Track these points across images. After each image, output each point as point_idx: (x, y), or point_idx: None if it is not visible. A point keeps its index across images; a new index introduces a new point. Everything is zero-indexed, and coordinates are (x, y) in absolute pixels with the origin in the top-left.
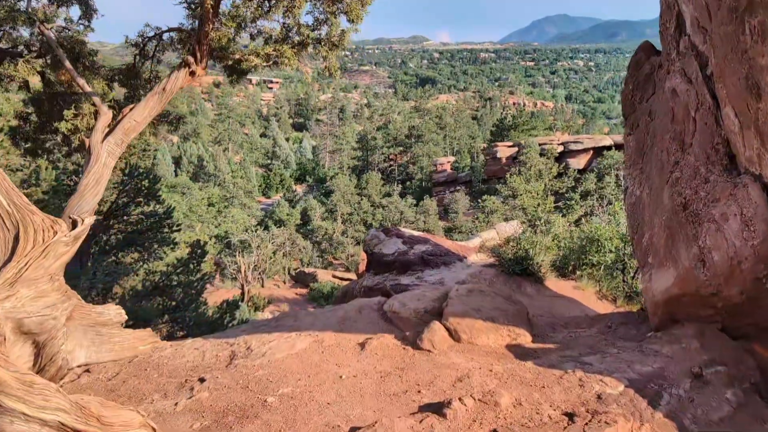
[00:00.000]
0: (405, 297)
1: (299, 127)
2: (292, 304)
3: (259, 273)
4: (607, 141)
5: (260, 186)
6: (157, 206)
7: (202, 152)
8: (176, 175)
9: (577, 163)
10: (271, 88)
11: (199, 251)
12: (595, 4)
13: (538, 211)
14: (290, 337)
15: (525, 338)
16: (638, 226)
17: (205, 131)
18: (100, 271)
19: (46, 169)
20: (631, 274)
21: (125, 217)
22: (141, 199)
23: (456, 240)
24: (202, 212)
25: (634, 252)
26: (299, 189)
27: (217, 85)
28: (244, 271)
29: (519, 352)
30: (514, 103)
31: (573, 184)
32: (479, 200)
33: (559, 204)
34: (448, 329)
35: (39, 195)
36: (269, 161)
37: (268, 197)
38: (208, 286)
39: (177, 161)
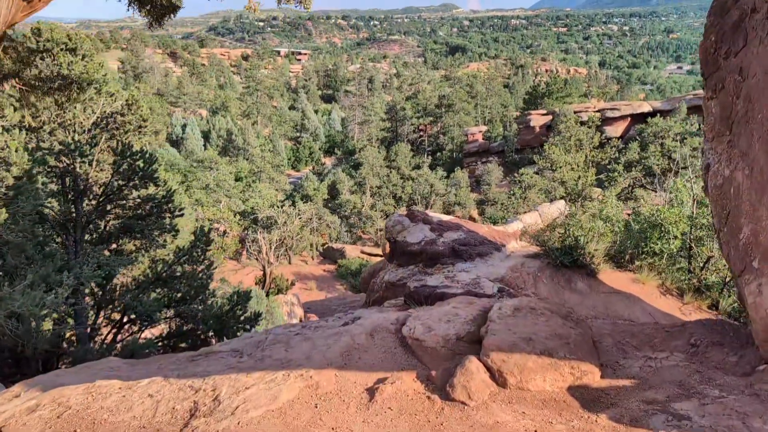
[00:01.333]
0: (431, 316)
1: (328, 99)
2: (319, 281)
3: (285, 249)
4: (646, 107)
5: (289, 159)
6: (157, 189)
7: (231, 126)
8: (205, 149)
9: (614, 131)
10: (299, 60)
11: (203, 238)
12: None
13: (578, 184)
14: (275, 380)
15: (592, 376)
16: (729, 216)
17: (233, 105)
18: (89, 263)
19: None
20: (701, 264)
21: (122, 201)
22: (136, 182)
23: (493, 225)
24: (228, 187)
25: (723, 247)
26: (328, 162)
27: (245, 57)
28: (266, 252)
29: (586, 397)
30: (546, 70)
31: (616, 155)
32: (515, 174)
33: (601, 176)
34: (489, 369)
35: None
36: (298, 134)
37: (298, 170)
38: (233, 263)
39: (206, 135)
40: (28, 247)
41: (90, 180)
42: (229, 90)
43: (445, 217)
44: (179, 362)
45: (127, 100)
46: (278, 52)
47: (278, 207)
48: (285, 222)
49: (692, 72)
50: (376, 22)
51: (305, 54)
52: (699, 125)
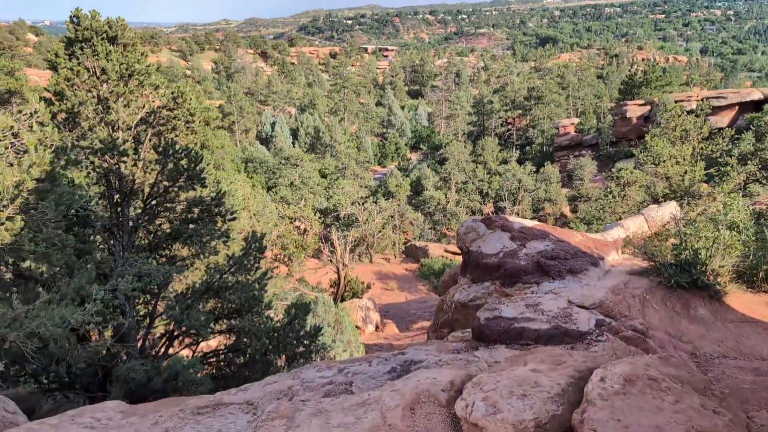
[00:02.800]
0: (498, 385)
1: (415, 94)
2: (400, 281)
3: (367, 247)
4: (756, 94)
5: (376, 155)
6: (206, 191)
7: (318, 123)
8: (293, 146)
9: (720, 120)
10: (386, 56)
11: (255, 245)
12: None
13: (684, 179)
14: None
15: None
16: None
17: (321, 102)
18: (128, 273)
19: None
20: None
21: (169, 204)
22: (182, 183)
23: (588, 230)
24: (313, 184)
25: None
26: (414, 157)
27: (333, 55)
28: (340, 253)
29: None
30: (643, 59)
31: (729, 147)
32: (611, 169)
33: (711, 170)
34: None
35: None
36: (384, 130)
37: (384, 166)
38: (314, 261)
39: (294, 133)
40: (54, 257)
41: (137, 181)
42: (317, 88)
43: (529, 223)
44: (181, 416)
45: (173, 93)
46: (366, 49)
47: (359, 204)
48: (366, 219)
49: None
50: (464, 16)
51: (392, 50)
52: None
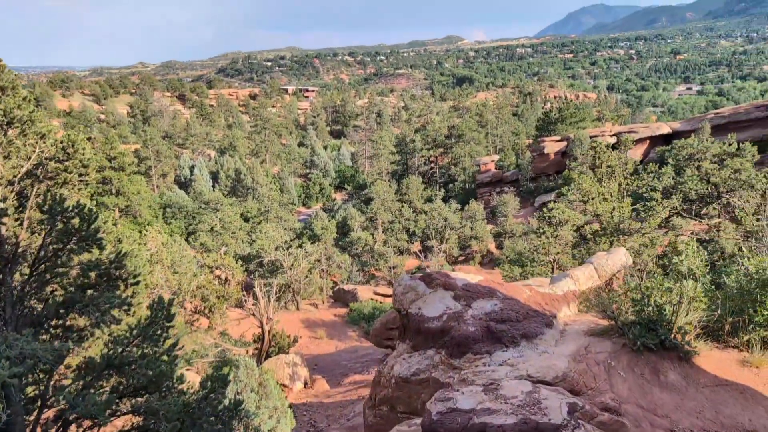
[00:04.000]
0: None
1: (337, 135)
2: (329, 328)
3: (293, 294)
4: (665, 128)
5: (299, 196)
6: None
7: (240, 165)
8: (214, 190)
9: (633, 154)
10: (307, 97)
11: (162, 312)
12: None
13: (614, 216)
14: None
15: None
16: None
17: (242, 144)
18: (7, 353)
19: None
20: None
21: (61, 269)
22: (73, 246)
23: (523, 274)
24: (235, 229)
25: None
26: (339, 197)
27: (253, 97)
28: (264, 306)
29: None
30: (555, 97)
31: (654, 182)
32: (533, 203)
33: (637, 206)
34: None
35: None
36: (308, 170)
37: (308, 207)
38: (238, 311)
39: (215, 176)
40: None
41: (21, 244)
42: (238, 129)
43: (473, 279)
44: None
45: (62, 143)
46: (286, 90)
47: (284, 249)
48: (291, 265)
49: (702, 92)
50: (383, 57)
51: (313, 91)
52: (738, 144)
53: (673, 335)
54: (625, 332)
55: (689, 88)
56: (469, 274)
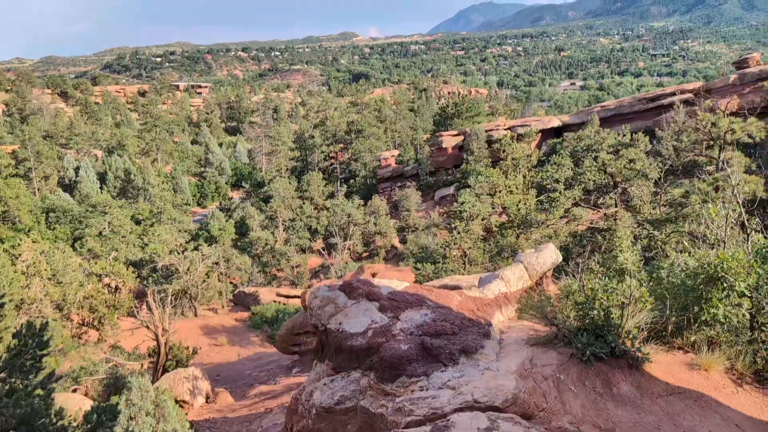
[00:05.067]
0: None
1: (232, 131)
2: (230, 334)
3: (190, 300)
4: (555, 122)
5: (194, 196)
6: None
7: (129, 165)
8: (102, 192)
9: (527, 146)
10: (200, 93)
11: (33, 340)
12: None
13: (520, 209)
14: None
15: None
16: None
17: (131, 142)
18: None
19: None
20: None
21: None
22: None
23: (436, 272)
24: (125, 233)
25: None
26: (236, 196)
27: (142, 94)
28: (159, 317)
29: None
30: (448, 93)
31: (557, 174)
32: (432, 197)
33: (541, 198)
34: None
35: None
36: (202, 169)
37: (204, 207)
38: (131, 320)
39: (102, 177)
40: None
41: None
42: (126, 128)
43: (398, 285)
44: None
45: None
46: (177, 87)
47: (179, 252)
48: (188, 269)
49: (585, 87)
50: (278, 53)
51: (206, 87)
52: (631, 135)
53: (621, 341)
54: (572, 341)
55: (573, 84)
56: (394, 281)
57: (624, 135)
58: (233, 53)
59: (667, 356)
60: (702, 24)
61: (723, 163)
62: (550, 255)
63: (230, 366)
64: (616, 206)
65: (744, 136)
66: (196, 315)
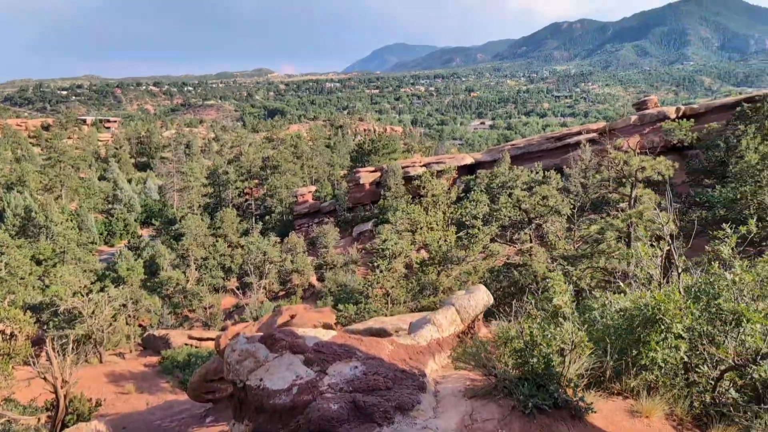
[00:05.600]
0: None
1: (143, 167)
2: (139, 380)
3: (95, 346)
4: (469, 159)
5: (101, 234)
6: None
7: (30, 202)
8: None
9: (446, 183)
10: (108, 128)
11: None
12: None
13: (441, 246)
14: None
15: None
16: None
17: (32, 178)
18: None
19: None
20: (716, 374)
21: None
22: None
23: (357, 313)
24: (24, 274)
25: None
26: (146, 233)
27: (46, 127)
28: (58, 368)
29: None
30: (364, 130)
31: (475, 210)
32: (349, 233)
33: (461, 234)
34: None
35: None
36: (110, 206)
37: (111, 245)
38: (28, 369)
39: (0, 214)
40: None
41: None
42: (27, 163)
43: (325, 335)
44: None
45: None
46: (84, 121)
47: (83, 294)
48: (93, 312)
49: (494, 126)
50: (191, 88)
51: (115, 121)
52: (545, 173)
53: (563, 390)
54: (513, 392)
55: (483, 123)
56: (320, 330)
57: (537, 172)
58: (144, 87)
59: (608, 403)
60: (601, 68)
61: (634, 201)
62: (482, 297)
63: (138, 416)
64: (531, 241)
65: (654, 174)
66: (101, 361)
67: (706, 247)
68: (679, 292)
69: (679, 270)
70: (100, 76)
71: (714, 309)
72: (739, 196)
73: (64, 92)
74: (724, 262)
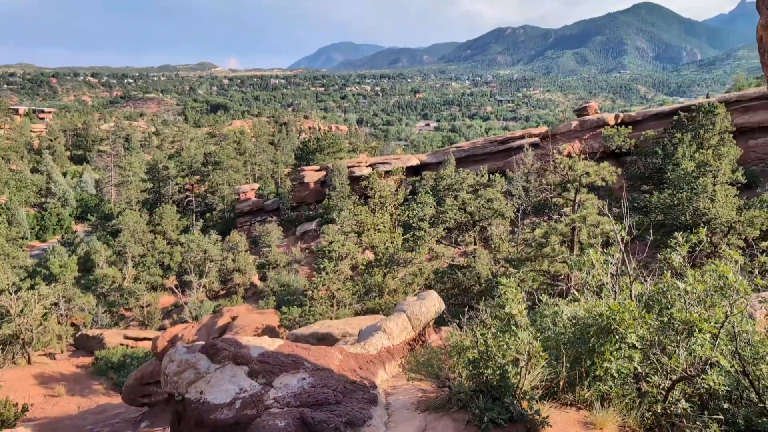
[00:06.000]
0: None
1: (79, 160)
2: (70, 382)
3: (22, 346)
4: (415, 160)
5: (33, 229)
6: None
7: None
8: None
9: (393, 184)
10: (42, 119)
11: None
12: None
13: (388, 247)
14: None
15: None
16: None
17: None
18: None
19: None
20: (666, 384)
21: None
22: None
23: (304, 315)
24: None
25: None
26: (81, 229)
27: None
28: None
29: None
30: (309, 128)
31: (422, 212)
32: (319, 242)
33: (407, 236)
34: None
35: None
36: (43, 199)
37: (44, 241)
38: None
39: None
40: None
41: None
42: None
43: (271, 344)
44: None
45: None
46: (16, 111)
47: (11, 292)
48: (21, 311)
49: (439, 128)
50: (131, 80)
51: (50, 112)
52: (489, 176)
53: (518, 403)
54: (467, 405)
55: (428, 125)
56: (265, 338)
57: (482, 175)
58: (82, 78)
59: (561, 415)
60: (542, 74)
61: (578, 205)
62: (434, 303)
63: (69, 421)
64: (475, 244)
65: (598, 179)
66: (29, 362)
67: (658, 255)
68: (633, 302)
69: (631, 279)
70: (35, 64)
71: (666, 318)
72: (675, 202)
73: None
74: (675, 271)
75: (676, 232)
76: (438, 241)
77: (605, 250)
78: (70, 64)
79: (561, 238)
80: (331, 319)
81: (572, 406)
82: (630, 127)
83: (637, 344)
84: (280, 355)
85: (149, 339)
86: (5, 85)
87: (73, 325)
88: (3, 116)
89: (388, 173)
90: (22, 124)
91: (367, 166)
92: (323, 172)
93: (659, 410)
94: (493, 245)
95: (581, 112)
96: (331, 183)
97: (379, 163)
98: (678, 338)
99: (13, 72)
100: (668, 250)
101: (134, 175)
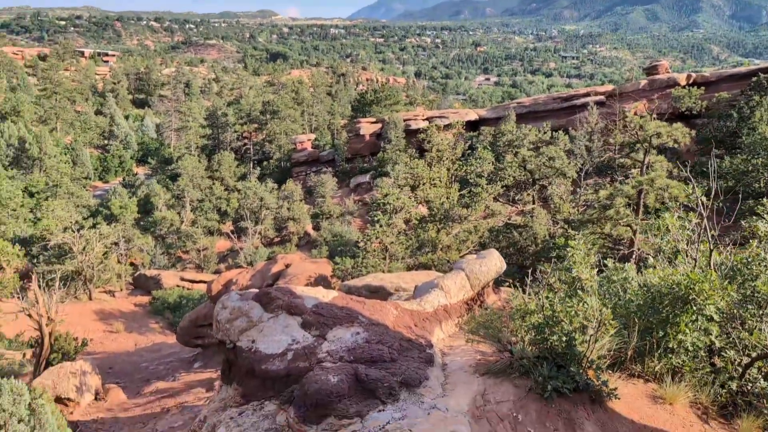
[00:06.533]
0: None
1: (140, 104)
2: (128, 320)
3: (84, 282)
4: (473, 115)
5: (96, 170)
6: None
7: (24, 133)
8: None
9: (452, 138)
10: (107, 62)
11: None
12: None
13: (444, 203)
14: None
15: None
16: None
17: (27, 109)
18: None
19: None
20: (741, 361)
21: None
22: None
23: (354, 268)
24: (15, 206)
25: None
26: (141, 172)
27: (42, 58)
28: (44, 305)
29: None
30: (367, 79)
31: (480, 168)
32: (373, 195)
33: (463, 192)
34: None
35: None
36: (106, 141)
37: (106, 182)
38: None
39: None
40: None
41: None
42: (23, 93)
43: (325, 295)
44: None
45: None
46: (82, 53)
47: (74, 230)
48: (84, 248)
49: (499, 83)
50: (192, 26)
51: (113, 55)
52: (552, 133)
53: (584, 372)
54: (530, 372)
55: (488, 79)
56: (320, 289)
57: (545, 132)
58: (145, 22)
59: (628, 387)
60: (610, 30)
61: (647, 167)
62: (495, 263)
63: (126, 357)
64: (533, 203)
65: (670, 141)
66: (90, 298)
67: (742, 222)
68: (714, 271)
69: (711, 247)
70: (100, 8)
71: (749, 291)
72: (750, 168)
73: (63, 22)
74: (760, 240)
75: (749, 200)
76: (495, 199)
77: (682, 215)
78: (133, 8)
79: (626, 201)
80: (383, 272)
81: (639, 377)
82: (702, 88)
83: (716, 317)
84: (334, 307)
85: (205, 282)
86: (72, 28)
87: (132, 264)
88: (69, 58)
89: (446, 127)
90: (87, 66)
91: (423, 120)
92: (379, 125)
93: (735, 388)
94: (552, 205)
95: (651, 70)
96: (387, 136)
97: (436, 117)
98: (761, 312)
99: (80, 15)
100: (754, 218)
101: (194, 121)
